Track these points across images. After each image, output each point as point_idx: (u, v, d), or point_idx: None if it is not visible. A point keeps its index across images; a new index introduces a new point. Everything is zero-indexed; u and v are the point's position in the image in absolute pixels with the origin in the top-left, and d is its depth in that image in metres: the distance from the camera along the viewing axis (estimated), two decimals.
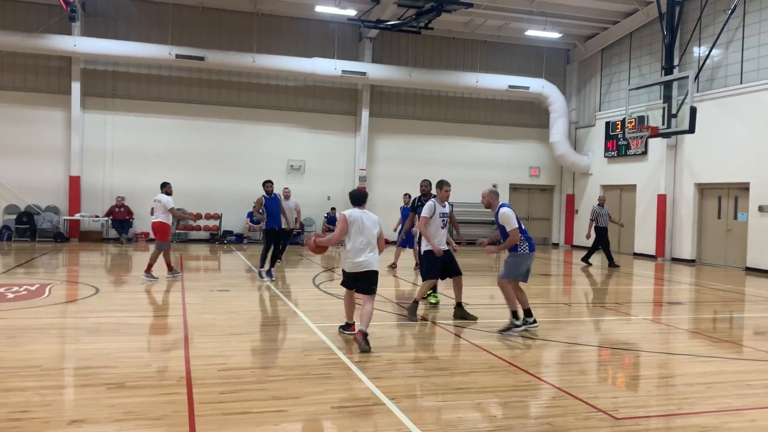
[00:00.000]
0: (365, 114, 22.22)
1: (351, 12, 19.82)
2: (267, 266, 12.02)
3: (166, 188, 11.80)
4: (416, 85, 22.50)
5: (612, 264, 16.36)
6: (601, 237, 16.57)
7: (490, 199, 7.81)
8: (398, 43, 22.61)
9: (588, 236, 17.00)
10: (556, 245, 24.61)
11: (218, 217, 20.99)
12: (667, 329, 8.75)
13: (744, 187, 17.02)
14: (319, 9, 19.81)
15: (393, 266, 14.15)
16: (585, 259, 16.76)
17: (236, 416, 4.57)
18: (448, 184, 8.64)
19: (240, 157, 21.29)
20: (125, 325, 7.69)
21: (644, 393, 5.67)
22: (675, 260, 19.16)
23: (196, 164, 20.88)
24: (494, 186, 22.62)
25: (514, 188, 24.34)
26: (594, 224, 16.67)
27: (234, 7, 20.91)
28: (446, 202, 8.65)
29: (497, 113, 24.11)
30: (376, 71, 21.51)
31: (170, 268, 11.92)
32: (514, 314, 7.76)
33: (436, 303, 9.51)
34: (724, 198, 17.98)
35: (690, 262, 18.47)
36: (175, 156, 20.78)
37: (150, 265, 11.41)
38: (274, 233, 12.10)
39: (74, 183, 19.86)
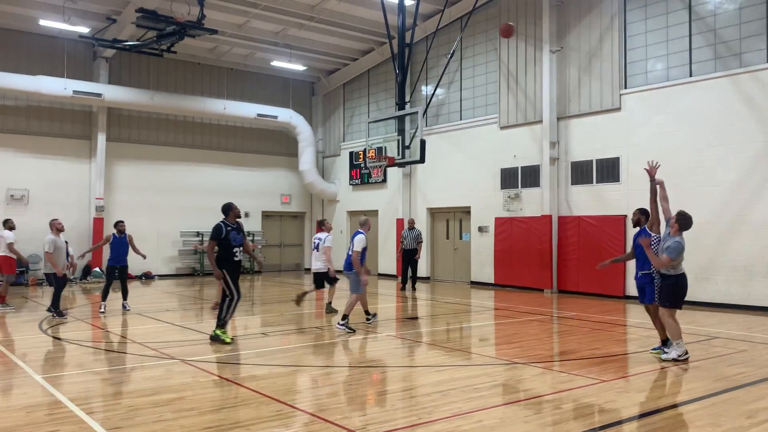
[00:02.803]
0: (101, 138, 20.49)
1: (83, 29, 18.23)
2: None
3: (8, 224, 12.91)
4: (160, 110, 21.43)
5: (403, 287, 17.43)
6: (405, 258, 17.44)
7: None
8: (139, 64, 21.38)
9: (398, 257, 17.68)
10: (308, 270, 25.19)
11: None
12: (408, 343, 9.46)
13: (466, 211, 19.31)
14: (44, 23, 17.84)
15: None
16: (405, 285, 17.43)
17: None
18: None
19: None
20: None
21: (390, 407, 6.03)
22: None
23: None
24: (246, 215, 22.79)
25: (266, 215, 24.44)
26: (401, 246, 17.54)
27: None
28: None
29: (247, 141, 24.07)
30: (114, 93, 20.02)
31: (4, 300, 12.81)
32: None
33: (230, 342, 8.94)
34: (451, 220, 20.17)
35: (426, 279, 20.29)
36: None
37: (2, 297, 12.61)
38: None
39: None
